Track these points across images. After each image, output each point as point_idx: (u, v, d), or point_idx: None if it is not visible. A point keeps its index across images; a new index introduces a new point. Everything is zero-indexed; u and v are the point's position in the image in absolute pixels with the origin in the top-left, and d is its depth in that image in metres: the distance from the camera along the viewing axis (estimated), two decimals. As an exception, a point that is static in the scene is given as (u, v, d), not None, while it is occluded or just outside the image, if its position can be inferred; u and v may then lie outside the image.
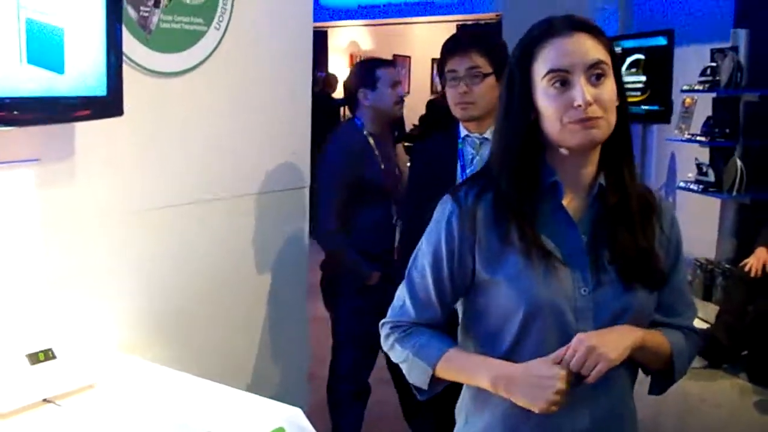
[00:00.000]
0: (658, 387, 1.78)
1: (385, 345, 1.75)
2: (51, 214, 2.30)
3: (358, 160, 3.35)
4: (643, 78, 7.57)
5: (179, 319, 2.74)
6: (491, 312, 1.64)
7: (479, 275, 1.63)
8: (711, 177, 6.78)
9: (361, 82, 3.48)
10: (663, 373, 1.74)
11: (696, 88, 6.93)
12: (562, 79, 1.55)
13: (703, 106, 7.05)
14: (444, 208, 1.68)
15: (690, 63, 7.11)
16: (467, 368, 1.64)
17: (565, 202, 1.64)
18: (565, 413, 1.60)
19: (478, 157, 2.73)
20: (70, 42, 2.08)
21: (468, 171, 2.74)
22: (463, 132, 2.78)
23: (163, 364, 2.38)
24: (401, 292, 1.74)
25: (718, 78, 6.64)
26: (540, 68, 1.58)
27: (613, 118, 1.58)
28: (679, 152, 7.81)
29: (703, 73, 6.85)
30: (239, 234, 2.97)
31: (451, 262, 1.65)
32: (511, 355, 1.61)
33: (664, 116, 7.37)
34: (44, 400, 2.04)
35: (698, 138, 6.94)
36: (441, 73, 2.80)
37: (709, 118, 6.90)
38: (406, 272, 1.74)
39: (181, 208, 2.73)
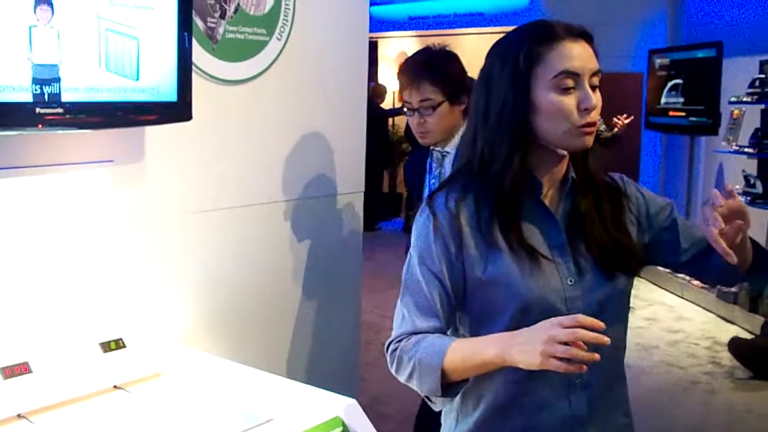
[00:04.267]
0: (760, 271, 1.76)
1: (392, 365, 1.69)
2: (123, 212, 2.41)
3: None
4: (682, 99, 7.58)
5: (238, 315, 2.84)
6: (482, 310, 1.65)
7: (468, 277, 1.64)
8: (759, 189, 6.75)
9: None
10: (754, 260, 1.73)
11: (744, 99, 6.91)
12: (571, 81, 1.60)
13: (752, 118, 7.03)
14: (424, 216, 1.69)
15: (738, 74, 7.09)
16: (473, 349, 1.56)
17: (541, 197, 1.68)
18: (564, 397, 1.66)
19: (441, 170, 2.78)
20: (145, 51, 2.19)
21: (431, 183, 2.82)
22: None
23: (223, 356, 2.48)
24: (399, 307, 1.71)
25: (766, 89, 6.61)
26: (548, 68, 1.60)
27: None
28: (726, 164, 7.78)
29: (751, 85, 6.84)
30: (298, 235, 3.06)
31: (442, 267, 1.64)
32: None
33: (711, 128, 7.36)
34: (114, 386, 2.15)
35: (746, 150, 6.92)
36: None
37: (757, 129, 6.88)
38: (402, 286, 1.71)
39: (243, 209, 2.83)
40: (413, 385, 1.65)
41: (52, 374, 2.04)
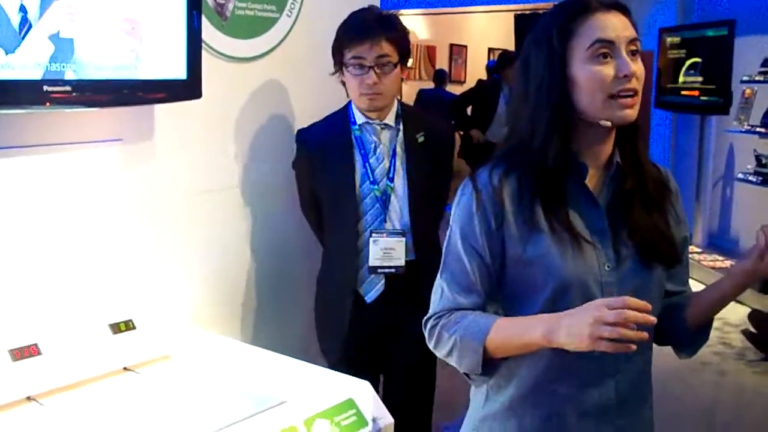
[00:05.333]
0: (694, 347, 1.81)
1: (430, 340, 1.70)
2: (131, 191, 2.39)
3: None
4: (701, 78, 7.50)
5: (249, 295, 2.83)
6: (519, 288, 1.66)
7: (508, 254, 1.64)
8: (771, 169, 6.71)
9: None
10: (701, 332, 1.79)
11: (756, 79, 6.86)
12: (606, 50, 1.59)
13: (764, 98, 6.98)
14: (467, 191, 1.69)
15: (750, 53, 7.03)
16: (518, 329, 1.58)
17: (585, 182, 1.67)
18: (593, 385, 1.65)
19: (382, 145, 2.66)
20: (154, 27, 2.16)
21: (372, 159, 2.66)
22: (359, 119, 2.68)
23: (233, 337, 2.46)
24: (438, 283, 1.72)
25: (779, 69, 6.56)
26: (582, 40, 1.60)
27: (641, 95, 1.63)
28: (737, 144, 7.73)
29: (764, 64, 6.78)
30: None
31: (483, 243, 1.64)
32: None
33: (723, 107, 7.29)
34: (124, 368, 2.13)
35: (758, 129, 6.88)
36: (338, 58, 2.64)
37: (769, 109, 6.83)
38: (442, 262, 1.72)
39: (253, 188, 2.81)
40: (452, 361, 1.67)
41: (62, 356, 2.02)
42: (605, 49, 1.59)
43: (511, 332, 1.59)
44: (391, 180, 2.64)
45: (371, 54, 2.57)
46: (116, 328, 2.18)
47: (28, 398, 1.92)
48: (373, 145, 2.66)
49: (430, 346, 1.71)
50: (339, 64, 2.66)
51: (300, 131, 2.79)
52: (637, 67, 1.60)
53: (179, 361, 2.22)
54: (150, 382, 2.09)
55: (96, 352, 2.10)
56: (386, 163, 2.65)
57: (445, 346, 1.66)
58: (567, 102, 1.62)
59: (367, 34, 2.57)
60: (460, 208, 1.69)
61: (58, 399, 1.95)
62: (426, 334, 1.72)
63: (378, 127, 2.66)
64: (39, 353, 1.98)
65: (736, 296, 1.71)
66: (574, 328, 1.46)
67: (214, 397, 2.00)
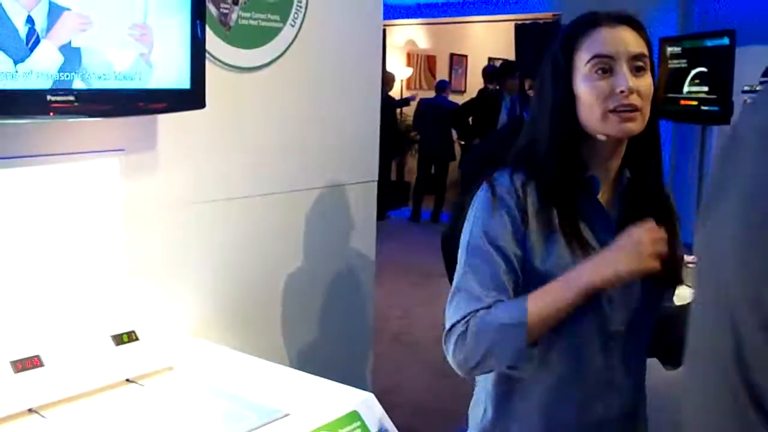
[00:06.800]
0: (680, 361, 1.80)
1: (458, 350, 1.61)
2: (134, 201, 2.37)
3: None
4: (707, 89, 7.48)
5: (251, 306, 2.80)
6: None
7: (527, 264, 1.64)
8: (771, 179, 6.71)
9: None
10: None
11: (757, 89, 6.85)
12: (605, 65, 1.60)
13: (765, 108, 6.98)
14: (488, 194, 1.67)
15: (751, 63, 7.03)
16: (559, 288, 1.55)
17: (598, 196, 1.69)
18: (598, 400, 1.66)
19: None
20: (158, 38, 2.15)
21: None
22: None
23: (235, 348, 2.44)
24: (461, 287, 1.65)
25: (780, 79, 6.55)
26: (584, 55, 1.62)
27: (648, 111, 1.62)
28: (738, 153, 7.73)
29: (764, 74, 6.77)
30: (310, 226, 3.01)
31: (510, 245, 1.63)
32: (548, 337, 1.61)
33: (723, 118, 7.29)
34: (127, 380, 2.11)
35: (759, 139, 6.88)
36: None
37: (770, 119, 6.82)
38: (462, 264, 1.67)
39: (255, 199, 2.78)
40: (491, 362, 1.59)
41: (64, 368, 2.00)
42: (604, 64, 1.60)
43: (551, 300, 1.55)
44: None
45: None
46: (119, 339, 2.16)
47: (30, 410, 1.90)
48: None
49: (459, 357, 1.62)
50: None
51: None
52: (640, 83, 1.60)
53: (182, 373, 2.20)
54: (153, 394, 2.07)
55: (99, 364, 2.08)
56: None
57: (481, 345, 1.58)
58: (571, 116, 1.63)
59: None
60: (483, 211, 1.66)
61: (61, 411, 1.93)
62: (451, 347, 1.63)
63: None
64: (41, 365, 1.97)
65: None
66: (630, 255, 1.51)
67: (218, 410, 1.98)
